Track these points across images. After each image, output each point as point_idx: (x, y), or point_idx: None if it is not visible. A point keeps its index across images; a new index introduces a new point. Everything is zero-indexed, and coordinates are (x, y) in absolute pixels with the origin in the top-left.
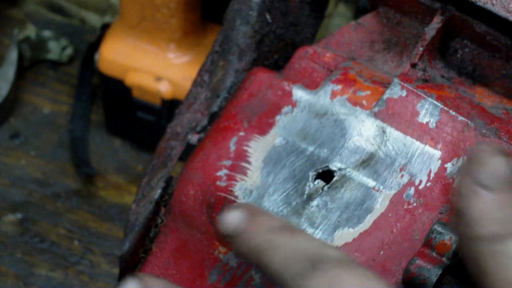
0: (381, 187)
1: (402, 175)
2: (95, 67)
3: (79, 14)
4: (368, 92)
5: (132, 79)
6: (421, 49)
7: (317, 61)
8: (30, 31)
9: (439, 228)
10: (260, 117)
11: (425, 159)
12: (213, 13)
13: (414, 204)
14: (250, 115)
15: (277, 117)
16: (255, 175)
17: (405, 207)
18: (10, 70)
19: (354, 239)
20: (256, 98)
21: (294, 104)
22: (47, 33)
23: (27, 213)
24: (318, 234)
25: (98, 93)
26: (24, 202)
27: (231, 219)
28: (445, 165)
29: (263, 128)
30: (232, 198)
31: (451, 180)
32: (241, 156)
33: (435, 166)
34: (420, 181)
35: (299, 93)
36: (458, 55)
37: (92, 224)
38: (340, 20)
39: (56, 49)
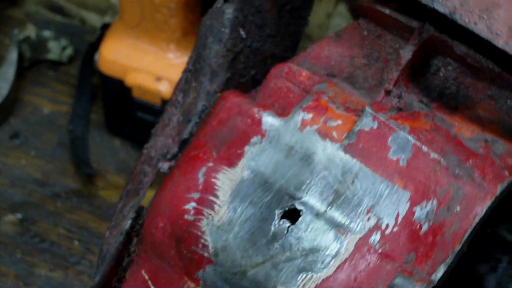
0: (347, 230)
1: (369, 218)
2: (95, 67)
3: (79, 14)
4: (340, 122)
5: (132, 79)
6: (396, 74)
7: (292, 80)
8: (30, 31)
9: (401, 283)
10: (228, 147)
11: (394, 200)
12: None
13: (380, 251)
14: (219, 144)
15: (246, 148)
16: (222, 210)
17: (370, 253)
18: (10, 70)
19: (317, 285)
20: (226, 126)
21: (263, 134)
22: (47, 33)
23: (27, 213)
24: (281, 278)
25: (98, 93)
26: (24, 202)
27: None
28: (414, 209)
29: (232, 159)
30: (199, 233)
31: (418, 226)
32: (209, 189)
33: (403, 209)
34: (387, 225)
35: (269, 122)
36: (441, 74)
37: (92, 224)
38: (340, 20)
39: (56, 49)
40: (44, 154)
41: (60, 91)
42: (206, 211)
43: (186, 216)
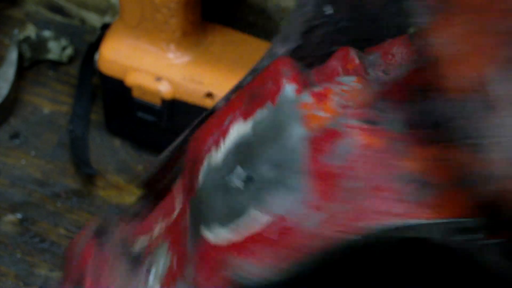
0: (266, 210)
1: (273, 213)
2: (95, 67)
3: (79, 14)
4: (326, 115)
5: (132, 79)
6: (385, 87)
7: (343, 65)
8: (30, 31)
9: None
10: (251, 103)
11: (301, 203)
12: (213, 13)
13: (270, 237)
14: (248, 100)
15: (259, 109)
16: (219, 155)
17: (266, 238)
18: (10, 70)
19: (227, 245)
20: (261, 86)
21: (274, 102)
22: (47, 33)
23: (27, 213)
24: (211, 226)
25: (98, 93)
26: (24, 202)
27: None
28: (307, 216)
29: (247, 115)
30: (200, 167)
31: (294, 233)
32: (224, 133)
33: (300, 212)
34: (279, 220)
35: (285, 93)
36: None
37: None
38: None
39: (56, 49)
40: (44, 154)
41: (60, 91)
42: (213, 150)
43: (203, 147)
